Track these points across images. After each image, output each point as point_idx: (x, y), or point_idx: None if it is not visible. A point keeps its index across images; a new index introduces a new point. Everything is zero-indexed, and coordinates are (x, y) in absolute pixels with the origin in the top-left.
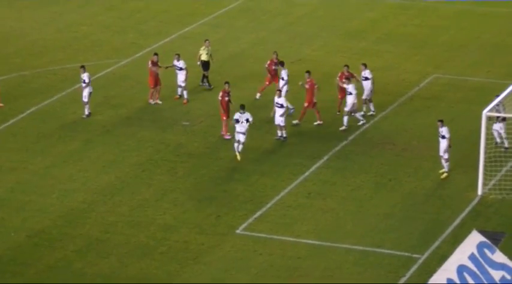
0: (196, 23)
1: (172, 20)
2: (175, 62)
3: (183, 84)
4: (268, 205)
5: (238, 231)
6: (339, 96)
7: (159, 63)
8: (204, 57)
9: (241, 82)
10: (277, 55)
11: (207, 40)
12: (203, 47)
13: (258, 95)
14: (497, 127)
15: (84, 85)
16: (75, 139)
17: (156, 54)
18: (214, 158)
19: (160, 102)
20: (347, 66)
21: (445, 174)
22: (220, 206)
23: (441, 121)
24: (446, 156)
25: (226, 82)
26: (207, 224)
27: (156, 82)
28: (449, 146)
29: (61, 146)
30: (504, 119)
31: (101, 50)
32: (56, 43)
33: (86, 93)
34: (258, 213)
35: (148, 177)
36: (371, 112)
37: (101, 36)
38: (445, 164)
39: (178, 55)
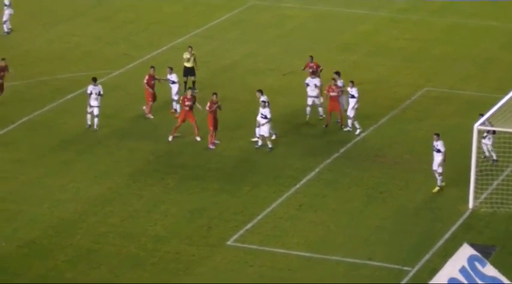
0: (188, 34)
1: (164, 31)
2: (169, 76)
3: (175, 98)
4: (259, 217)
5: (229, 243)
6: (328, 110)
7: (155, 75)
8: (186, 64)
9: (232, 94)
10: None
11: (190, 47)
12: (186, 53)
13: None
14: (487, 141)
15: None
16: (67, 149)
17: (152, 67)
18: (206, 169)
19: (151, 117)
20: (334, 79)
21: (437, 188)
22: (211, 217)
23: (437, 134)
24: (440, 170)
25: (214, 93)
26: (197, 236)
27: (155, 96)
28: (444, 160)
29: (52, 156)
30: (494, 132)
31: (92, 60)
32: (48, 54)
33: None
34: (249, 225)
35: (139, 188)
36: (358, 131)
37: (93, 47)
38: (438, 178)
39: (171, 68)
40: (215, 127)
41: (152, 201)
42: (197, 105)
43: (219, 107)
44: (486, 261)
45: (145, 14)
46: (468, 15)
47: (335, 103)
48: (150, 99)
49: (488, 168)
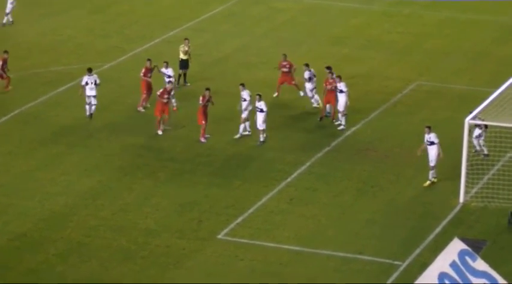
0: (180, 27)
1: (156, 24)
2: (164, 69)
3: (172, 93)
4: (250, 211)
5: (219, 236)
6: (324, 102)
7: (153, 65)
8: (182, 56)
9: (224, 87)
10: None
11: (186, 39)
12: (182, 45)
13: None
14: (477, 134)
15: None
16: (58, 142)
17: (149, 59)
18: (197, 163)
19: (143, 110)
20: (329, 69)
21: (428, 182)
22: (202, 211)
23: (429, 127)
24: (433, 163)
25: (207, 89)
26: (188, 229)
27: (150, 88)
28: (439, 154)
29: (44, 149)
30: (486, 127)
31: (84, 53)
32: (40, 46)
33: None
34: (240, 218)
35: (130, 181)
36: (341, 127)
37: (85, 39)
38: (430, 172)
39: (167, 63)
40: (206, 120)
41: (143, 194)
42: (173, 102)
43: (211, 102)
44: (477, 256)
45: (137, 6)
46: (460, 9)
47: (331, 96)
48: (145, 92)
49: (479, 163)
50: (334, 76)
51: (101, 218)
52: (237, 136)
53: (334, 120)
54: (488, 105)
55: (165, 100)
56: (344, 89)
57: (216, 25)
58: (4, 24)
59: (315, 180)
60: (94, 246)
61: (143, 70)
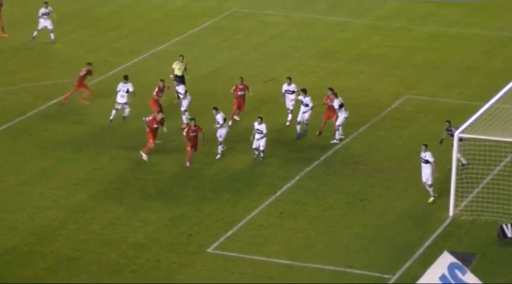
0: (169, 41)
1: (145, 38)
2: (176, 87)
3: (183, 109)
4: (240, 225)
5: (209, 250)
6: (324, 118)
7: (166, 85)
8: (177, 72)
9: (213, 102)
10: (242, 80)
11: (181, 55)
12: (176, 62)
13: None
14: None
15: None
16: (47, 156)
17: (162, 80)
18: (186, 177)
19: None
20: (331, 89)
21: (431, 198)
22: (192, 225)
23: (425, 145)
24: (430, 181)
25: (193, 119)
26: (178, 243)
27: (159, 106)
28: (433, 172)
29: (33, 163)
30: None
31: (74, 67)
32: (30, 60)
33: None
34: (230, 232)
35: (120, 195)
36: (335, 141)
37: (75, 54)
38: (429, 190)
39: (178, 80)
40: (194, 148)
41: (132, 208)
42: (164, 128)
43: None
44: (466, 269)
45: (126, 21)
46: (449, 23)
47: (331, 112)
48: (155, 110)
49: (468, 176)
50: (332, 93)
51: (91, 232)
52: (218, 156)
53: (320, 134)
54: (478, 119)
55: (154, 126)
56: (310, 104)
57: (204, 39)
58: (33, 38)
59: (304, 193)
60: (84, 260)
61: (156, 89)
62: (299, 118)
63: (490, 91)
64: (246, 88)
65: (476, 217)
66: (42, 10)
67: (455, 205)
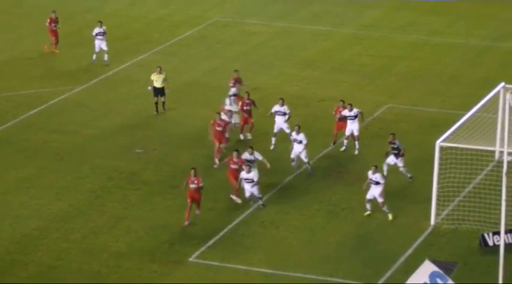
0: (150, 51)
1: (126, 47)
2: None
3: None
4: (221, 234)
5: (191, 259)
6: (335, 130)
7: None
8: (156, 84)
9: (194, 111)
10: (248, 95)
11: (159, 67)
12: (154, 73)
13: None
14: (391, 161)
15: None
16: (29, 165)
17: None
18: (168, 186)
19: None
20: (342, 101)
21: (390, 216)
22: (173, 234)
23: (375, 166)
24: (381, 199)
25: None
26: (159, 252)
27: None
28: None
29: (14, 173)
30: (403, 154)
31: (55, 76)
32: (11, 69)
33: None
34: (211, 241)
35: (101, 204)
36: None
37: (56, 63)
38: (384, 208)
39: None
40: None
41: (114, 217)
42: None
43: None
44: (448, 277)
45: (108, 30)
46: (431, 32)
47: (342, 124)
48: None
49: (450, 185)
50: (343, 105)
51: (72, 241)
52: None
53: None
54: (459, 128)
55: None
56: (287, 111)
57: (186, 48)
58: (95, 61)
59: (286, 203)
60: (65, 269)
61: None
62: (293, 155)
63: (472, 100)
64: (251, 103)
65: (458, 225)
66: (97, 30)
67: (437, 214)
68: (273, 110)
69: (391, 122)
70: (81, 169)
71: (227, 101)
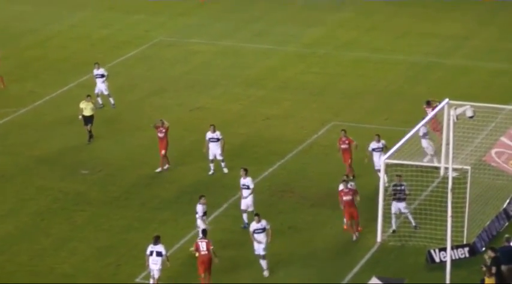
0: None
1: (70, 68)
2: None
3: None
4: (168, 254)
5: (137, 280)
6: (345, 162)
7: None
8: (86, 112)
9: (139, 131)
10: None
11: (88, 95)
12: (83, 101)
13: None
14: (395, 209)
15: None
16: None
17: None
18: (114, 207)
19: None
20: (344, 130)
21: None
22: (120, 255)
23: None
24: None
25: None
26: (106, 273)
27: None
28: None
29: None
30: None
31: None
32: None
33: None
34: None
35: (47, 226)
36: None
37: None
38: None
39: None
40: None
41: (60, 239)
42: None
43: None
44: None
45: (51, 51)
46: (373, 49)
47: (348, 154)
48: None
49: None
50: (345, 135)
51: (18, 263)
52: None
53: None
54: (404, 144)
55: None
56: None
57: (130, 69)
58: (100, 106)
59: (232, 222)
60: None
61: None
62: (243, 207)
63: (416, 116)
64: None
65: (405, 242)
66: (94, 71)
67: (383, 231)
68: (206, 138)
69: (335, 140)
70: (26, 191)
71: None
